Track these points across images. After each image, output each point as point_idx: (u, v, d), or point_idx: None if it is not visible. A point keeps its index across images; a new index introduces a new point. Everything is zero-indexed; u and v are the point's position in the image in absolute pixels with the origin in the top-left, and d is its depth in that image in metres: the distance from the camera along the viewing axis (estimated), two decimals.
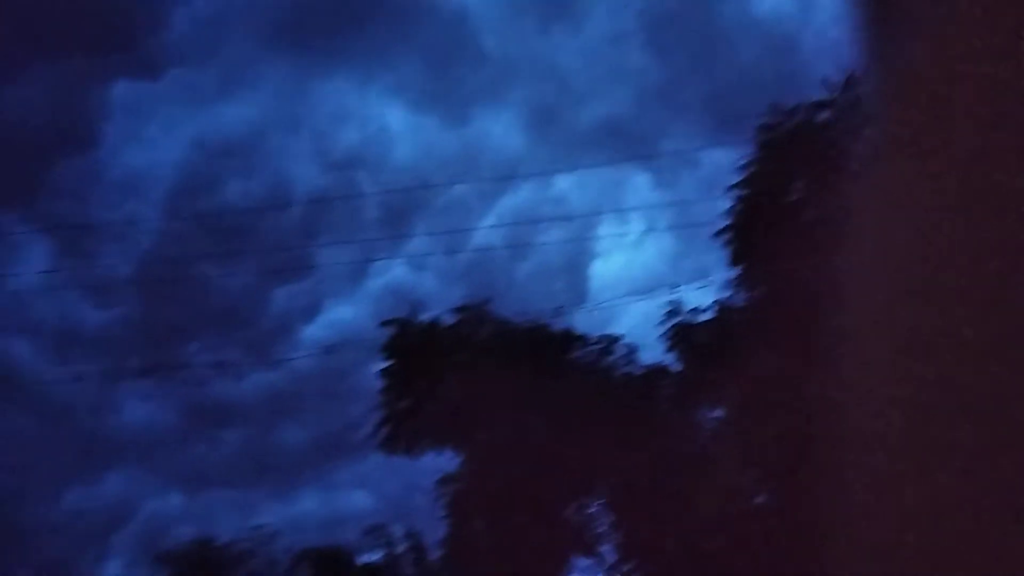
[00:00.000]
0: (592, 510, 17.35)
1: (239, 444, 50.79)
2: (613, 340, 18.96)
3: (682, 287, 18.14)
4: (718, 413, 17.45)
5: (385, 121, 42.83)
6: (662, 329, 17.61)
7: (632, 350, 18.77)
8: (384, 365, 19.10)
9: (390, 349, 19.03)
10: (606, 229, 31.87)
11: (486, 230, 27.37)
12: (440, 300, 21.40)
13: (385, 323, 19.40)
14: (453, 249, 27.71)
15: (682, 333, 17.40)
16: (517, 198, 31.13)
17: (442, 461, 18.45)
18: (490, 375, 15.90)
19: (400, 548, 24.00)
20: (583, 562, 17.88)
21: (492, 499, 15.19)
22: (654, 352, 18.45)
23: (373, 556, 24.57)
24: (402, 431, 18.18)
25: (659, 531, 15.91)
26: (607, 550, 17.70)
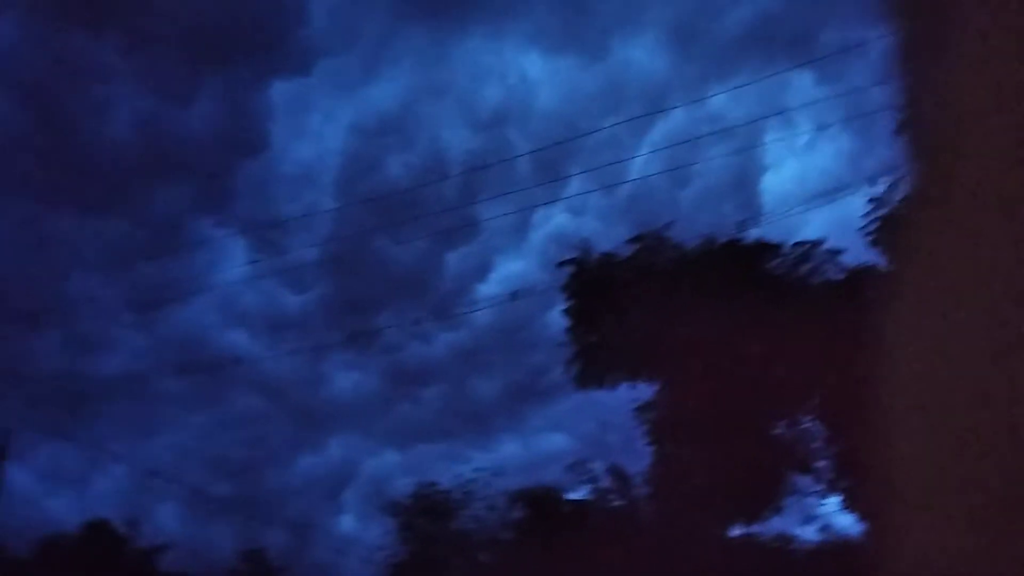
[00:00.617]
0: (805, 425, 16.51)
1: (438, 400, 53.76)
2: (812, 245, 17.56)
3: (869, 184, 16.47)
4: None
5: (525, 71, 42.32)
6: (863, 227, 16.13)
7: (833, 253, 17.32)
8: (567, 304, 19.02)
9: (571, 287, 18.89)
10: (772, 137, 29.79)
11: (643, 160, 26.47)
12: (606, 239, 20.98)
13: (562, 263, 19.29)
14: (611, 185, 27.15)
15: (887, 227, 15.81)
16: (671, 123, 29.75)
17: (633, 393, 18.22)
18: (679, 298, 15.22)
19: (604, 482, 24.36)
20: (800, 480, 17.18)
21: (696, 422, 14.76)
22: (854, 255, 17.01)
23: (580, 492, 25.22)
24: (595, 365, 18.02)
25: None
26: (823, 466, 16.85)
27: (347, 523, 44.73)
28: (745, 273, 16.21)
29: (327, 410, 50.19)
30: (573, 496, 25.15)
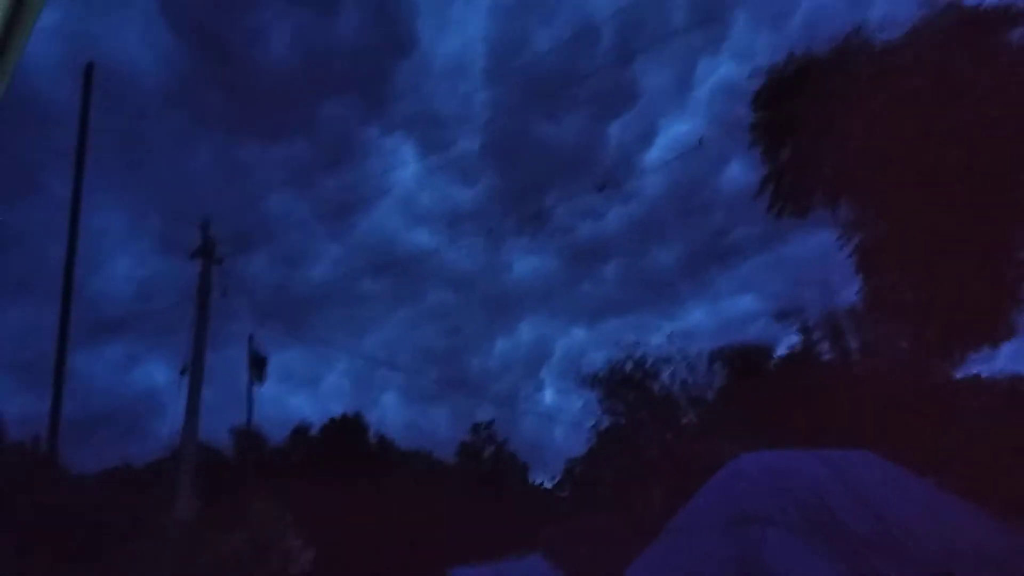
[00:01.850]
0: None
1: (619, 274, 53.97)
2: None
3: None
4: None
5: None
6: None
7: None
8: (757, 118, 16.94)
9: (763, 96, 16.73)
10: None
11: None
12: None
13: (753, 74, 17.02)
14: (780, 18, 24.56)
15: None
16: None
17: (823, 237, 16.65)
18: (883, 106, 12.93)
19: (806, 334, 23.57)
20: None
21: (909, 245, 13.25)
22: None
23: (781, 347, 24.64)
24: (790, 187, 16.25)
25: None
26: None
27: (549, 397, 47.02)
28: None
29: (514, 295, 52.07)
30: (774, 351, 24.73)
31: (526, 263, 57.05)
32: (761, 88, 16.19)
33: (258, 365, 20.11)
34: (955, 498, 14.55)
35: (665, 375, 24.82)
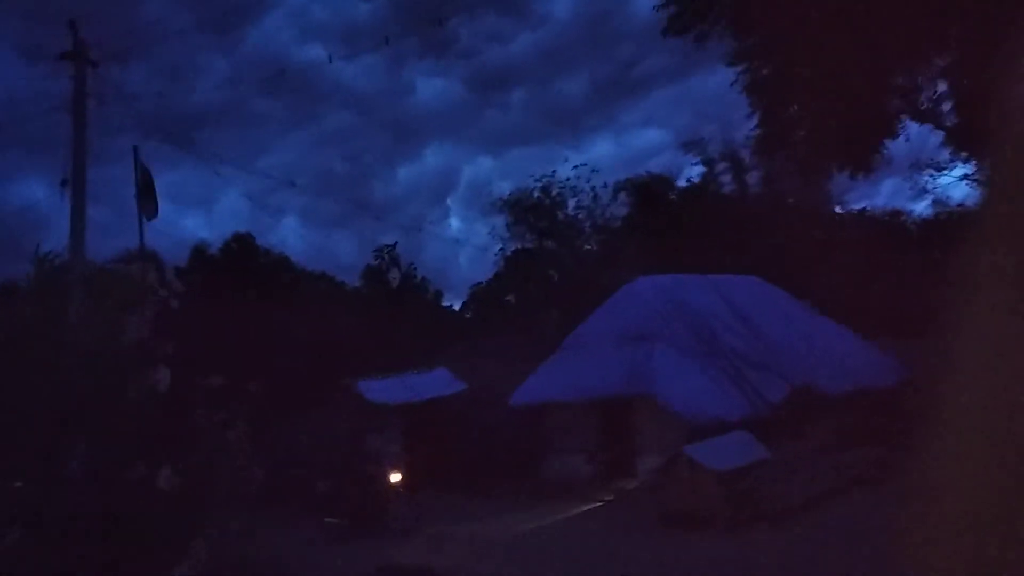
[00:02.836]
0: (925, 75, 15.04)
1: (525, 104, 52.84)
2: None
3: None
4: None
5: None
6: None
7: None
8: None
9: None
10: None
11: None
12: None
13: None
14: None
15: None
16: None
17: (727, 75, 16.78)
18: None
19: (708, 165, 24.22)
20: (912, 126, 16.17)
21: (805, 79, 13.54)
22: None
23: (684, 178, 25.32)
24: (688, 11, 16.02)
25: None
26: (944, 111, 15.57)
27: (455, 224, 47.09)
28: None
29: (417, 120, 50.36)
30: (676, 183, 25.38)
31: (430, 86, 54.82)
32: None
33: (145, 182, 18.77)
34: (826, 319, 15.98)
35: (571, 204, 25.28)
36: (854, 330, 15.69)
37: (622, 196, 24.53)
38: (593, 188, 24.59)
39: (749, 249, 18.62)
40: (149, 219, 18.87)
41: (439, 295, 28.77)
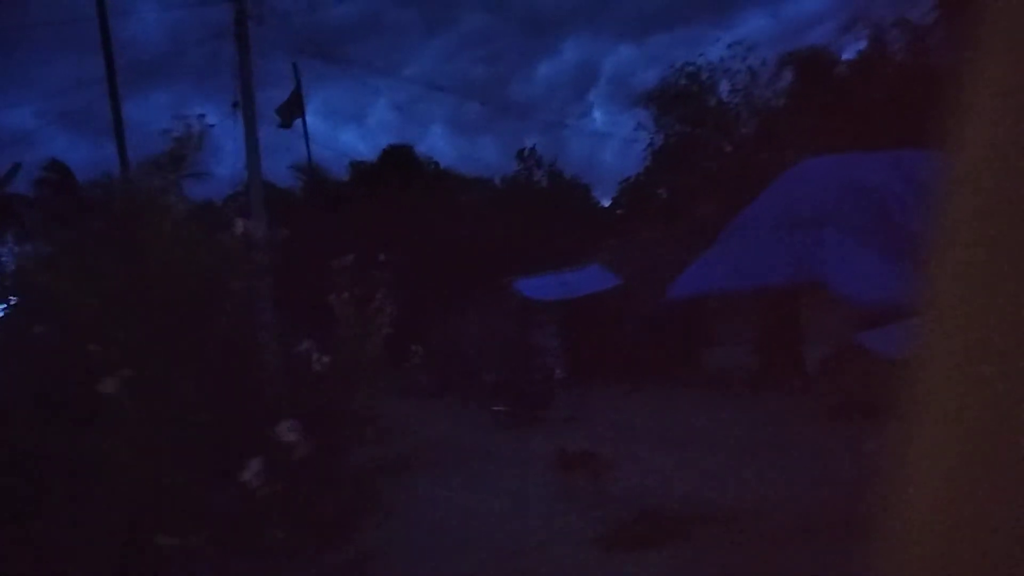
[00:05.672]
0: None
1: None
2: None
3: None
4: None
5: None
6: None
7: None
8: None
9: None
10: None
11: None
12: None
13: None
14: None
15: None
16: None
17: None
18: None
19: (880, 34, 21.94)
20: None
21: None
22: None
23: (850, 52, 23.08)
24: None
25: None
26: None
27: (600, 119, 46.01)
28: None
29: (552, 14, 48.77)
30: (841, 55, 23.26)
31: None
32: None
33: (293, 97, 19.56)
34: None
35: (724, 87, 23.81)
36: None
37: (784, 72, 22.76)
38: (749, 68, 22.97)
39: (927, 123, 16.88)
40: (285, 126, 19.65)
41: (588, 191, 28.55)
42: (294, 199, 25.75)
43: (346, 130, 46.63)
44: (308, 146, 24.82)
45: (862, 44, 22.76)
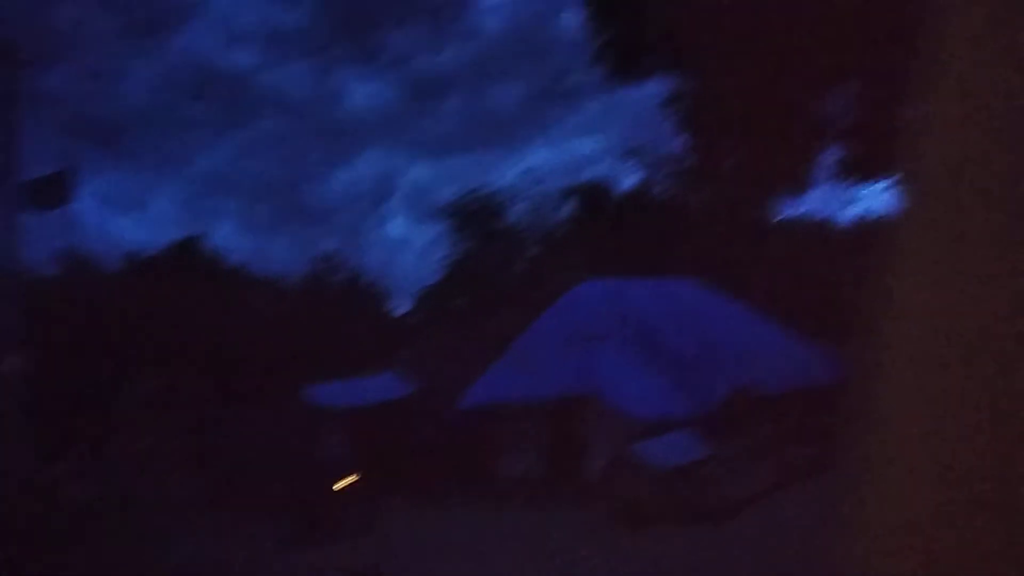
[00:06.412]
0: (838, 103, 16.04)
1: (460, 111, 53.03)
2: None
3: None
4: None
5: None
6: None
7: None
8: (583, 3, 17.81)
9: None
10: None
11: None
12: None
13: None
14: None
15: None
16: None
17: (661, 87, 17.71)
18: None
19: (643, 174, 24.82)
20: (829, 156, 17.13)
21: (727, 109, 14.44)
22: None
23: (622, 185, 25.89)
24: (619, 59, 17.16)
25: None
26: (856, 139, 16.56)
27: (395, 229, 46.83)
28: None
29: (350, 125, 49.93)
30: (615, 190, 25.93)
31: (362, 92, 54.37)
32: None
33: (52, 179, 17.31)
34: (765, 320, 16.58)
35: (513, 211, 25.61)
36: (791, 330, 16.33)
37: (563, 202, 25.00)
38: (537, 194, 24.99)
39: (690, 254, 19.18)
40: (45, 207, 17.92)
41: (385, 297, 28.72)
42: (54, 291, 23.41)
43: (125, 220, 43.49)
44: (73, 234, 22.87)
45: (637, 177, 25.65)
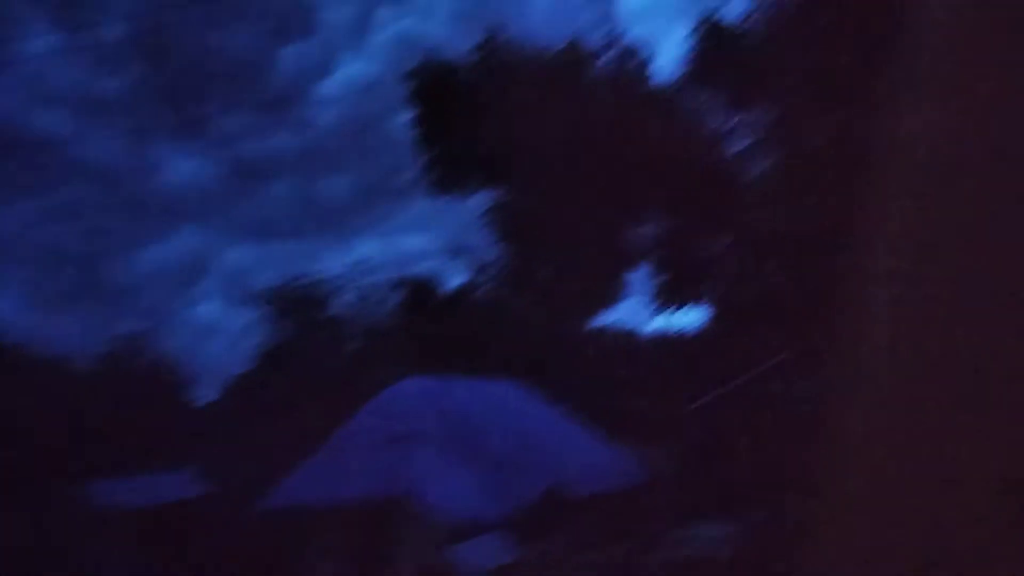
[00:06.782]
0: (645, 228, 17.77)
1: (286, 197, 52.27)
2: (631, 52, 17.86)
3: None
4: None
5: None
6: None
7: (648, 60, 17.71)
8: (416, 112, 19.13)
9: (419, 95, 18.93)
10: None
11: None
12: (454, 43, 20.43)
13: (409, 73, 19.13)
14: None
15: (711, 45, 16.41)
16: None
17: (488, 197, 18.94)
18: (531, 104, 15.52)
19: (476, 273, 25.64)
20: (636, 275, 18.80)
21: (544, 225, 15.68)
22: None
23: (453, 281, 26.48)
24: (447, 172, 18.54)
25: (711, 247, 16.38)
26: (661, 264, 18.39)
27: (205, 313, 44.28)
28: (592, 78, 16.61)
29: (165, 200, 47.40)
30: (442, 288, 26.43)
31: (181, 167, 52.02)
32: (419, 83, 18.00)
33: None
34: (576, 424, 17.27)
35: (337, 301, 25.28)
36: (599, 433, 17.12)
37: (392, 295, 25.04)
38: (364, 286, 24.88)
39: (508, 356, 19.79)
40: None
41: (190, 384, 26.90)
42: None
43: None
44: None
45: (462, 278, 26.30)
